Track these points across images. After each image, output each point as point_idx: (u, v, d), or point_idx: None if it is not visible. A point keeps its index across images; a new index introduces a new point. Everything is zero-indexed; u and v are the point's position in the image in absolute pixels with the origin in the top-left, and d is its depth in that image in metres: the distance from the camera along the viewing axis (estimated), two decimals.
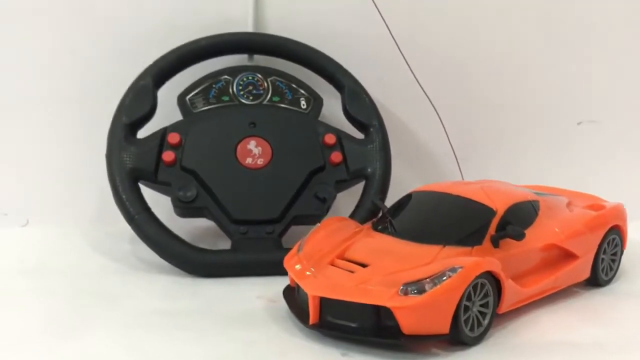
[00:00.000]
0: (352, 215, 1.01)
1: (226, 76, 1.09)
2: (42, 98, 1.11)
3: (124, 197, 0.97)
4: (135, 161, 0.99)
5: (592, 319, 0.86)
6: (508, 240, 0.83)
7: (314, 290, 0.75)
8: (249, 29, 1.15)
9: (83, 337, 0.77)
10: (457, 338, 0.75)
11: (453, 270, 0.74)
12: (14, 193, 1.14)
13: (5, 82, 1.11)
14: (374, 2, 1.11)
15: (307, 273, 0.78)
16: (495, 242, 0.82)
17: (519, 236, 0.81)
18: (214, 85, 1.08)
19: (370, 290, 0.73)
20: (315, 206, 1.02)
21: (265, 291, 0.91)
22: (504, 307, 0.80)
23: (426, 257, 0.77)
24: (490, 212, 0.84)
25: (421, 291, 0.72)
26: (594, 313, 0.87)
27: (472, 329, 0.76)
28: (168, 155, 1.01)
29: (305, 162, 1.03)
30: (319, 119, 1.11)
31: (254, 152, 1.03)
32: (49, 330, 0.79)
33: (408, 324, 0.72)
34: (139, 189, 0.99)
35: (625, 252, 1.01)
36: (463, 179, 1.14)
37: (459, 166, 1.15)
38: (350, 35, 1.17)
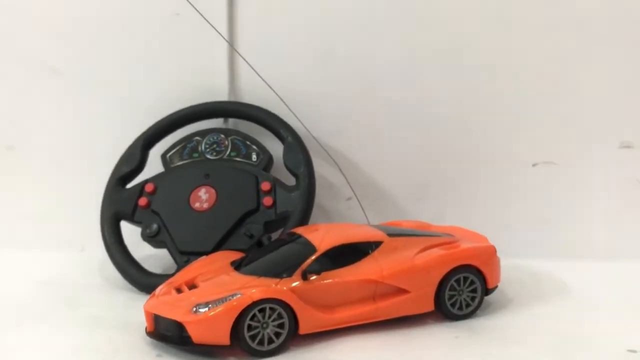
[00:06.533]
0: None
1: (197, 137, 1.38)
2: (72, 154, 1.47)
3: (104, 231, 1.31)
4: (118, 205, 1.33)
5: (391, 345, 0.99)
6: (324, 274, 1.01)
7: (146, 306, 1.01)
8: (225, 98, 1.43)
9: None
10: (246, 350, 0.95)
11: (234, 295, 0.95)
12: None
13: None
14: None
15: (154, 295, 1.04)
16: (304, 276, 1.00)
17: (315, 273, 0.99)
18: (187, 145, 1.38)
19: (175, 308, 0.97)
20: (244, 242, 1.25)
21: None
22: (305, 329, 0.98)
23: (235, 285, 0.99)
24: (312, 250, 1.02)
25: (205, 310, 0.94)
26: (399, 341, 1.00)
27: (261, 344, 0.95)
28: (143, 200, 1.32)
29: (240, 205, 1.28)
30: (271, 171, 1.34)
31: (202, 197, 1.30)
32: None
33: (195, 335, 0.95)
34: (118, 226, 1.31)
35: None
36: (368, 221, 1.29)
37: (363, 210, 1.31)
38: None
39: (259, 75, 1.17)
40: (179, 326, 0.96)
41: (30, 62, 1.44)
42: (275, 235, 1.28)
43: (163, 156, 1.38)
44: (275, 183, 1.30)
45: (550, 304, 1.15)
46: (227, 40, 1.28)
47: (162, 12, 1.37)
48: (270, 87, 1.18)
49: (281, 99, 1.20)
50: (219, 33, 1.20)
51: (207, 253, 1.25)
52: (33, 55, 1.44)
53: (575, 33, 1.31)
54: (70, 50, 1.43)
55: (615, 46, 1.30)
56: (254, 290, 0.96)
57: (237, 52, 1.28)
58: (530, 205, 1.34)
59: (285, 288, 0.98)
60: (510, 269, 1.18)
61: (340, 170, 1.29)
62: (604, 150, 1.32)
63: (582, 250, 1.30)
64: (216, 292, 0.97)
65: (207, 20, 1.15)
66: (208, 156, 1.37)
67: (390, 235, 1.08)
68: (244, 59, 1.22)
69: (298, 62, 1.37)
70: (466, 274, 1.06)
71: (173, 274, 1.22)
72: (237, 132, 1.38)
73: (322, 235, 1.05)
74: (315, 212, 1.31)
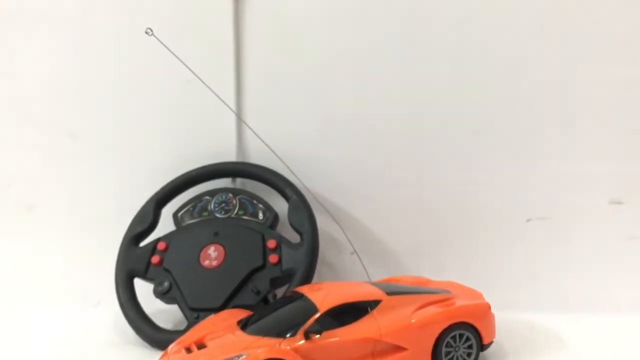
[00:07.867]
0: None
1: (207, 197, 1.45)
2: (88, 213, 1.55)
3: (119, 288, 1.37)
4: (132, 263, 1.39)
5: None
6: (326, 333, 1.06)
7: None
8: (233, 158, 1.50)
9: None
10: None
11: (240, 356, 1.01)
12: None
13: None
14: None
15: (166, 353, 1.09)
16: (307, 335, 1.06)
17: (316, 332, 1.05)
18: (197, 204, 1.45)
19: None
20: (251, 298, 1.31)
21: None
22: None
23: (241, 345, 1.04)
24: (314, 310, 1.08)
25: None
26: None
27: None
28: (155, 258, 1.38)
29: (247, 263, 1.34)
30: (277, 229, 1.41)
31: (212, 255, 1.36)
32: None
33: None
34: (131, 283, 1.38)
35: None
36: (369, 277, 1.35)
37: (364, 266, 1.36)
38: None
39: (263, 141, 1.26)
40: None
41: (49, 127, 1.53)
42: (280, 291, 1.35)
43: (174, 215, 1.45)
44: (281, 241, 1.36)
45: (546, 357, 1.19)
46: (233, 111, 1.37)
47: (174, 79, 1.45)
48: (273, 152, 1.27)
49: (283, 162, 1.28)
50: (226, 104, 1.29)
51: (216, 309, 1.31)
52: (52, 121, 1.52)
53: (564, 94, 1.38)
54: (87, 116, 1.52)
55: (602, 106, 1.37)
56: (259, 351, 1.01)
57: (244, 121, 1.38)
58: (524, 259, 1.40)
59: (288, 348, 1.03)
60: (506, 323, 1.23)
61: (341, 228, 1.35)
62: (595, 207, 1.38)
63: (576, 304, 1.35)
64: (223, 352, 1.03)
65: (214, 93, 1.23)
66: (217, 215, 1.44)
67: (389, 293, 1.14)
68: (249, 127, 1.30)
69: (301, 125, 1.45)
70: (462, 331, 1.11)
71: (184, 331, 1.28)
72: (244, 192, 1.45)
73: (323, 295, 1.11)
74: (321, 267, 1.38)
